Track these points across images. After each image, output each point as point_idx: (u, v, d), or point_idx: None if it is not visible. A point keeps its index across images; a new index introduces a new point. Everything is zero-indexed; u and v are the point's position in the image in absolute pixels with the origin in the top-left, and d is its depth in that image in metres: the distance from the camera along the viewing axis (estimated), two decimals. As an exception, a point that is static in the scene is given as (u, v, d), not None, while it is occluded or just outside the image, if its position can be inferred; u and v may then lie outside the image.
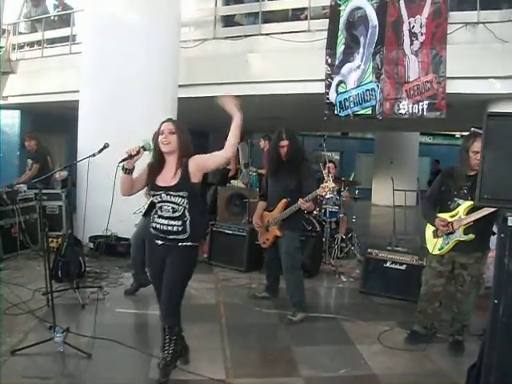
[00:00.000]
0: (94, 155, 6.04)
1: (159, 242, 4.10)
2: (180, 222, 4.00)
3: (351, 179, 9.79)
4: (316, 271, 7.58)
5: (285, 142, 5.72)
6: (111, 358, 4.49)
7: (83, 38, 9.74)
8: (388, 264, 6.54)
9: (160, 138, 4.04)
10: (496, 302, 3.05)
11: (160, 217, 4.06)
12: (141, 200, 6.08)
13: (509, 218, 3.00)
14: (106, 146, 5.96)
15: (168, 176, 4.02)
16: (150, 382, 4.07)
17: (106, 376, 4.18)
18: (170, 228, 4.02)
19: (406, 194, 10.87)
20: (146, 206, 6.09)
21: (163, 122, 4.12)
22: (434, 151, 24.76)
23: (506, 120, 3.20)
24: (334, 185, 5.03)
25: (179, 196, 3.99)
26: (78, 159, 6.71)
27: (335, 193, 8.72)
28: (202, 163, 4.06)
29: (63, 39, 12.71)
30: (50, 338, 4.46)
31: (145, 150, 4.07)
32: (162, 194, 4.01)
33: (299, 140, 5.87)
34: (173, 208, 4.00)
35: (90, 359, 4.36)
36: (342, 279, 7.49)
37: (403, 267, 6.43)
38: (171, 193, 3.99)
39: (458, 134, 24.56)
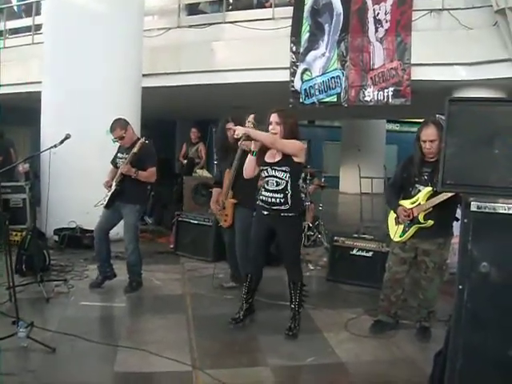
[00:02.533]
0: (55, 146, 5.96)
1: (265, 213, 4.75)
2: (282, 195, 4.63)
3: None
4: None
5: (230, 125, 5.71)
6: (76, 352, 4.39)
7: (44, 28, 9.53)
8: (354, 251, 6.54)
9: (270, 127, 4.67)
10: (460, 287, 3.04)
11: (266, 190, 4.71)
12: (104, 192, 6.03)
13: (472, 203, 2.98)
14: (67, 137, 5.89)
15: (275, 153, 4.69)
16: (114, 375, 4.02)
17: (71, 370, 4.12)
18: (273, 200, 4.66)
19: (374, 181, 10.95)
20: (107, 198, 5.99)
21: (272, 113, 4.71)
22: (401, 139, 24.91)
23: (468, 105, 3.19)
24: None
25: (282, 171, 4.62)
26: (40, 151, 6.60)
27: (301, 181, 8.69)
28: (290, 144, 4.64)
29: (28, 29, 12.45)
30: (13, 333, 4.34)
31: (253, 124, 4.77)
32: (268, 169, 4.68)
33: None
34: (276, 182, 4.64)
35: (54, 354, 4.27)
36: (309, 267, 7.46)
37: (370, 254, 6.44)
38: (276, 167, 4.65)
39: (423, 122, 24.60)
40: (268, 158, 4.73)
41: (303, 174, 8.70)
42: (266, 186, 4.73)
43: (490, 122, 3.08)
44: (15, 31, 12.92)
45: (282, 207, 4.66)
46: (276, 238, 4.94)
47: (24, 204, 8.88)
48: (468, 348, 3.05)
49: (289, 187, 4.63)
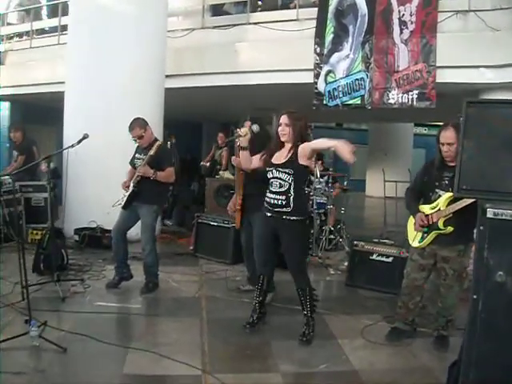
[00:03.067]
0: (72, 146, 5.95)
1: (268, 214, 4.77)
2: (284, 197, 4.62)
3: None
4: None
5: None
6: (86, 353, 4.39)
7: (68, 28, 9.57)
8: (374, 256, 6.44)
9: (279, 128, 4.72)
10: (475, 297, 2.94)
11: (270, 192, 4.72)
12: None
13: (488, 209, 2.88)
14: (85, 137, 5.90)
15: (282, 156, 4.70)
16: (122, 377, 3.98)
17: (79, 371, 4.10)
18: (275, 201, 4.66)
19: (398, 185, 10.77)
20: (124, 199, 5.97)
21: (282, 114, 4.74)
22: (429, 142, 24.58)
23: (486, 107, 3.10)
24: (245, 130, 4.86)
25: (285, 173, 4.61)
26: (58, 151, 6.61)
27: (323, 184, 8.62)
28: (303, 146, 4.62)
29: (54, 30, 12.56)
30: (25, 332, 4.35)
31: (253, 133, 4.87)
32: (273, 170, 4.68)
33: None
34: (280, 183, 4.64)
35: (65, 353, 4.26)
36: (330, 272, 7.38)
37: (390, 259, 6.32)
38: (279, 169, 4.64)
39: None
40: (274, 160, 4.75)
41: (326, 178, 8.64)
42: (270, 187, 4.74)
43: (508, 125, 2.97)
44: (42, 32, 13.03)
45: (284, 209, 4.64)
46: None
47: (45, 203, 8.90)
48: (482, 359, 2.95)
49: (291, 190, 4.61)
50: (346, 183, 9.29)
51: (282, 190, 4.62)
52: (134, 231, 6.30)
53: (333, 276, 7.25)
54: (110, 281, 6.26)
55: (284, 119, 4.69)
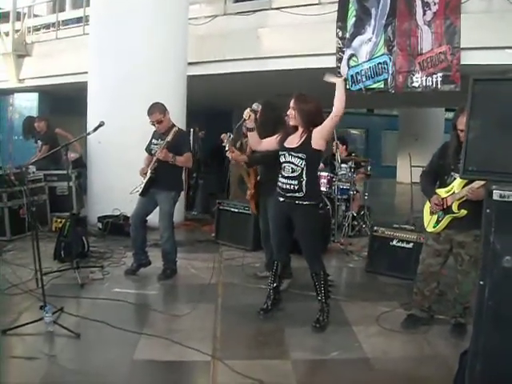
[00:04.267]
0: (88, 134, 5.99)
1: (281, 199, 4.72)
2: (296, 182, 4.56)
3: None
4: (324, 250, 7.35)
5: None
6: (99, 338, 4.44)
7: (90, 18, 9.61)
8: (394, 242, 6.34)
9: (289, 111, 4.68)
10: (482, 283, 2.84)
11: (282, 176, 4.67)
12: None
13: (494, 191, 2.77)
14: (101, 125, 5.92)
15: (294, 140, 4.65)
16: (132, 363, 4.00)
17: (91, 356, 4.15)
18: (287, 186, 4.61)
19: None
20: (142, 186, 5.96)
21: (291, 98, 4.68)
22: (462, 128, 24.14)
23: (493, 85, 2.97)
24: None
25: (298, 157, 4.55)
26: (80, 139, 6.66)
27: (348, 169, 8.51)
28: (319, 130, 4.57)
29: (80, 21, 12.65)
30: (40, 318, 4.40)
31: (254, 112, 4.75)
32: (286, 154, 4.63)
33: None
34: (292, 168, 4.58)
35: (78, 339, 4.30)
36: (353, 258, 7.31)
37: (410, 245, 6.20)
38: (292, 153, 4.58)
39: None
40: (287, 144, 4.69)
41: (350, 163, 8.53)
42: (282, 172, 4.69)
43: (517, 103, 2.84)
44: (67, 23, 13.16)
45: (297, 194, 4.59)
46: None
47: (70, 192, 8.97)
48: (489, 349, 2.85)
49: (304, 174, 4.56)
50: (369, 169, 9.14)
51: (295, 174, 4.57)
52: (155, 218, 6.28)
53: (354, 262, 7.17)
54: (128, 267, 6.30)
55: (292, 102, 4.64)
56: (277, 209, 4.87)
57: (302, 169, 4.55)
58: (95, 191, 9.08)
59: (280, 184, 4.69)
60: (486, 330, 2.84)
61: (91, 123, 8.78)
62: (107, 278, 6.05)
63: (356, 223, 8.54)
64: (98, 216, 8.46)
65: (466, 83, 7.92)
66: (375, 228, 6.55)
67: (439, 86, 8.24)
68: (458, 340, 4.46)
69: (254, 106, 4.79)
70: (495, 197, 2.77)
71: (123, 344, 4.32)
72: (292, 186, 4.58)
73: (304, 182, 4.55)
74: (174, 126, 6.01)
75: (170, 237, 6.09)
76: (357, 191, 8.77)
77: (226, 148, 5.46)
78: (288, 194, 4.63)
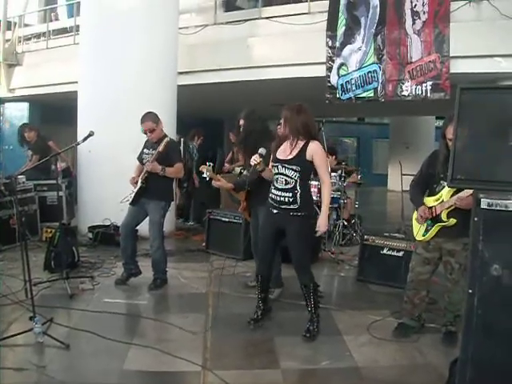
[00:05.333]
0: (78, 144, 5.98)
1: (274, 211, 4.65)
2: (290, 194, 4.51)
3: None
4: (315, 258, 7.35)
5: (241, 121, 5.76)
6: (89, 349, 4.40)
7: (81, 28, 9.60)
8: (385, 251, 6.32)
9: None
10: (470, 292, 2.84)
11: (275, 188, 4.61)
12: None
13: (482, 200, 2.78)
14: (90, 134, 5.92)
15: (287, 151, 4.59)
16: (122, 373, 3.97)
17: (80, 367, 4.12)
18: (281, 198, 4.55)
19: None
20: (132, 195, 5.95)
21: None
22: (452, 136, 24.22)
23: (480, 94, 2.98)
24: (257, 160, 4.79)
25: (292, 169, 4.50)
26: (65, 149, 6.63)
27: (337, 178, 8.52)
28: (318, 158, 4.58)
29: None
30: (29, 328, 4.37)
31: (262, 156, 4.68)
32: (279, 166, 4.57)
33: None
34: (286, 180, 4.52)
35: (67, 350, 4.28)
36: (344, 267, 7.28)
37: (400, 254, 6.19)
38: (286, 165, 4.53)
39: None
40: (280, 155, 4.63)
41: (339, 172, 8.53)
42: (275, 183, 4.63)
43: (504, 111, 2.85)
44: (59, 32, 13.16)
45: (291, 206, 4.54)
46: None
47: (60, 202, 8.93)
48: (479, 358, 2.85)
49: (298, 186, 4.51)
50: (359, 177, 9.16)
51: (288, 186, 4.53)
52: (147, 227, 6.26)
53: (344, 271, 7.14)
54: (118, 277, 6.27)
55: (282, 113, 4.62)
56: (268, 221, 4.78)
57: (296, 181, 4.51)
58: (86, 201, 9.04)
59: (273, 196, 4.64)
60: (476, 339, 2.84)
61: (81, 133, 8.78)
62: (97, 289, 6.01)
63: (347, 232, 8.53)
64: (89, 226, 8.43)
65: (455, 92, 7.98)
66: (366, 236, 6.54)
67: (429, 94, 8.28)
68: (449, 348, 4.45)
69: (261, 150, 4.72)
70: (483, 205, 2.78)
71: (113, 354, 4.29)
72: (286, 199, 4.53)
73: (298, 194, 4.50)
74: (165, 136, 6.00)
75: (159, 246, 6.06)
76: (348, 198, 8.76)
77: (207, 179, 5.59)
78: (282, 206, 4.57)
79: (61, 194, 8.90)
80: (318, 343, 4.58)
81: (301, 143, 4.57)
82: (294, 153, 4.54)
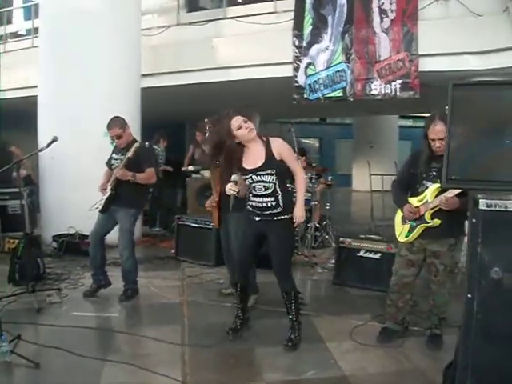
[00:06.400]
0: (41, 150, 5.73)
1: (257, 218, 4.47)
2: (273, 198, 4.34)
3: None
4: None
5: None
6: (60, 367, 4.14)
7: (40, 31, 9.30)
8: (362, 253, 6.21)
9: (243, 130, 4.33)
10: (469, 296, 2.73)
11: (255, 195, 4.41)
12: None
13: (480, 200, 2.66)
14: (54, 140, 5.66)
15: (255, 158, 4.37)
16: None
17: (53, 387, 3.85)
18: (264, 204, 4.38)
19: (385, 178, 10.59)
20: (102, 202, 5.71)
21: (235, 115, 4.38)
22: (415, 134, 24.52)
23: (474, 89, 2.87)
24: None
25: (268, 174, 4.33)
26: (27, 156, 6.36)
27: (307, 180, 8.39)
28: (284, 153, 4.42)
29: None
30: (-4, 347, 4.10)
31: (236, 183, 4.36)
32: (252, 176, 4.36)
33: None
34: (264, 186, 4.35)
35: (37, 369, 4.00)
36: (317, 270, 7.16)
37: (378, 256, 6.09)
38: (261, 173, 4.34)
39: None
40: (248, 165, 4.40)
41: (310, 174, 8.42)
42: (253, 191, 4.41)
43: (499, 108, 2.75)
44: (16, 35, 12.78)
45: (275, 211, 4.38)
46: (268, 244, 4.57)
47: (23, 210, 8.60)
48: (479, 364, 2.74)
49: (278, 188, 4.35)
50: (330, 178, 9.06)
51: (269, 191, 4.35)
52: (114, 236, 6.02)
53: (319, 275, 7.03)
54: (87, 289, 6.00)
55: (243, 120, 4.35)
56: (250, 229, 4.56)
57: (275, 183, 4.35)
58: (49, 209, 8.73)
59: (254, 204, 4.43)
60: (476, 344, 2.74)
61: (42, 138, 8.50)
62: (65, 301, 5.72)
63: (319, 234, 8.41)
64: (53, 235, 8.11)
65: (426, 90, 7.95)
66: (341, 239, 6.41)
67: (398, 93, 8.22)
68: (435, 352, 4.38)
69: (234, 177, 4.43)
70: (482, 206, 2.66)
71: (87, 372, 4.04)
72: (269, 204, 4.36)
73: (280, 197, 4.35)
74: (135, 140, 5.78)
75: (130, 256, 5.82)
76: (317, 202, 8.65)
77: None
78: (266, 212, 4.40)
79: (23, 202, 8.59)
80: (301, 352, 4.42)
81: (261, 145, 4.39)
82: (262, 158, 4.36)
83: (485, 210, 2.66)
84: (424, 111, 19.33)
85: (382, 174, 10.43)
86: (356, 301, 5.86)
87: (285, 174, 4.50)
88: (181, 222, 7.78)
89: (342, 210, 14.11)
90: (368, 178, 10.82)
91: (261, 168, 4.33)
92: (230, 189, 4.35)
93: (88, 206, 5.92)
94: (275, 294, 4.94)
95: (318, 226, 8.42)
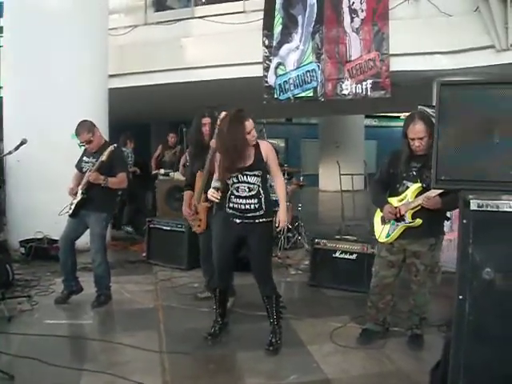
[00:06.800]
0: (10, 153, 5.56)
1: (237, 221, 4.35)
2: (256, 200, 4.28)
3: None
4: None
5: (207, 120, 5.42)
6: (36, 379, 3.99)
7: (4, 30, 9.05)
8: (337, 254, 6.18)
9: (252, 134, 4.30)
10: (461, 297, 2.68)
11: (237, 197, 4.30)
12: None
13: (471, 201, 2.63)
14: (23, 142, 5.51)
15: (245, 158, 4.28)
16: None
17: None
18: (247, 206, 4.29)
19: (354, 177, 10.62)
20: (72, 206, 5.56)
21: (248, 119, 4.28)
22: (380, 134, 24.75)
23: (462, 89, 2.85)
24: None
25: (254, 175, 4.28)
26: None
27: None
28: (270, 156, 4.40)
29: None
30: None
31: (218, 189, 4.31)
32: (238, 175, 4.28)
33: None
34: (249, 187, 4.27)
35: (11, 381, 3.83)
36: (290, 272, 7.10)
37: (353, 257, 6.07)
38: (247, 173, 4.26)
39: (402, 116, 24.65)
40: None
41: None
42: (235, 192, 4.32)
43: (488, 107, 2.74)
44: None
45: (257, 213, 4.32)
46: (247, 248, 4.51)
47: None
48: (471, 366, 2.70)
49: (261, 191, 4.31)
50: (301, 179, 9.03)
51: (252, 193, 4.29)
52: (84, 240, 5.89)
53: (294, 276, 6.97)
54: (58, 296, 5.82)
55: (252, 124, 4.30)
56: (229, 231, 4.43)
57: (259, 186, 4.30)
58: (15, 213, 8.49)
59: (235, 205, 4.33)
60: (468, 346, 2.70)
61: (7, 141, 8.28)
62: (36, 309, 5.53)
63: (291, 235, 8.35)
64: (20, 240, 7.89)
65: (396, 90, 7.95)
66: (316, 240, 6.36)
67: (369, 92, 8.20)
68: (417, 352, 4.39)
69: (215, 184, 4.37)
70: (472, 206, 2.63)
71: (64, 383, 3.92)
72: (252, 206, 4.29)
73: (263, 199, 4.31)
74: (107, 143, 5.65)
75: (102, 261, 5.68)
76: (289, 202, 8.59)
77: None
78: (249, 215, 4.31)
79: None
80: (282, 356, 4.35)
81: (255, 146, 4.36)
82: (251, 158, 4.31)
83: (476, 210, 2.62)
84: (394, 110, 19.58)
85: (351, 174, 10.45)
86: (333, 302, 5.82)
87: (266, 177, 4.46)
88: (152, 225, 7.65)
89: (310, 210, 14.07)
90: (335, 178, 10.83)
91: (249, 168, 4.28)
92: (212, 195, 4.31)
93: (56, 209, 5.77)
94: (252, 297, 4.91)
95: (290, 227, 8.36)
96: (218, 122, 4.61)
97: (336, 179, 10.74)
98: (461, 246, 2.69)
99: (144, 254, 7.76)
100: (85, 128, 5.58)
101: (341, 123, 19.72)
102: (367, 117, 20.77)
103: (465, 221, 2.66)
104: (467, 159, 2.72)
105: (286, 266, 7.28)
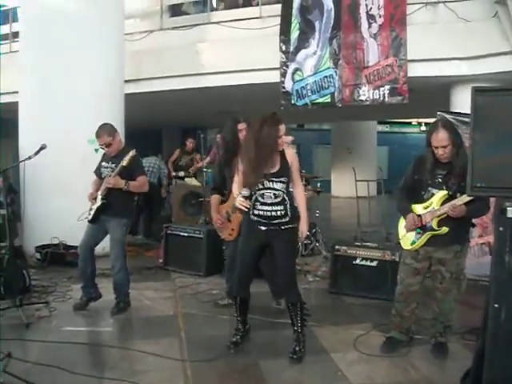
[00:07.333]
0: (29, 158, 5.54)
1: (263, 228, 4.32)
2: (282, 207, 4.24)
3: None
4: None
5: (243, 125, 5.36)
6: (57, 387, 3.93)
7: (20, 35, 9.07)
8: (358, 261, 6.13)
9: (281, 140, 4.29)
10: (496, 306, 2.64)
11: (263, 204, 4.26)
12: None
13: (508, 208, 2.58)
14: (42, 147, 5.50)
15: (272, 164, 4.27)
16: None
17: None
18: (273, 213, 4.26)
19: (369, 184, 10.56)
20: (92, 212, 5.53)
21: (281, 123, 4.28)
22: (392, 140, 24.67)
23: (497, 95, 2.79)
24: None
25: (280, 182, 4.24)
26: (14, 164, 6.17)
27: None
28: (294, 164, 4.38)
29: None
30: (-14, 367, 3.90)
31: (246, 198, 4.28)
32: (264, 181, 4.23)
33: None
34: (274, 194, 4.24)
35: (32, 389, 3.79)
36: (308, 279, 7.04)
37: (374, 263, 6.02)
38: (273, 179, 4.23)
39: (414, 122, 24.57)
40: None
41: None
42: (260, 199, 4.29)
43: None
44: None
45: (283, 220, 4.29)
46: (272, 254, 4.46)
47: (5, 221, 8.35)
48: (506, 376, 2.64)
49: (286, 198, 4.29)
50: (319, 185, 8.99)
51: (278, 200, 4.25)
52: (101, 245, 5.86)
53: (312, 283, 6.91)
54: (77, 302, 5.79)
55: (284, 128, 4.31)
56: (253, 240, 4.41)
57: (284, 192, 4.27)
58: (31, 219, 8.49)
59: (261, 212, 4.29)
60: (503, 356, 2.65)
61: (23, 146, 8.31)
62: (55, 315, 5.50)
63: (309, 242, 8.30)
64: (36, 246, 7.88)
65: (414, 95, 7.90)
66: (337, 247, 6.30)
67: (386, 98, 8.15)
68: (441, 361, 4.34)
69: (244, 192, 4.30)
70: (509, 214, 2.58)
71: (84, 391, 3.89)
72: (279, 212, 4.26)
73: (288, 206, 4.28)
74: (126, 148, 5.61)
75: (122, 267, 5.65)
76: (308, 209, 8.55)
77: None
78: (274, 221, 4.29)
79: (3, 212, 8.37)
80: (307, 364, 4.31)
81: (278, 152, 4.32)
82: (277, 164, 4.29)
83: (513, 218, 2.58)
84: (409, 116, 19.48)
85: (367, 180, 10.38)
86: (354, 310, 5.77)
87: (290, 184, 4.42)
88: (169, 231, 7.61)
89: (324, 216, 14.00)
90: (348, 184, 10.79)
91: (276, 174, 4.25)
92: (242, 204, 4.30)
93: (71, 215, 5.77)
94: (267, 303, 4.85)
95: (308, 233, 8.31)
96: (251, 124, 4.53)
97: (348, 185, 10.72)
98: (497, 253, 2.65)
99: (161, 260, 7.71)
100: (105, 130, 5.57)
101: (353, 129, 19.65)
102: (379, 123, 20.69)
103: (501, 228, 2.62)
104: (504, 166, 2.67)
105: (304, 273, 7.21)
